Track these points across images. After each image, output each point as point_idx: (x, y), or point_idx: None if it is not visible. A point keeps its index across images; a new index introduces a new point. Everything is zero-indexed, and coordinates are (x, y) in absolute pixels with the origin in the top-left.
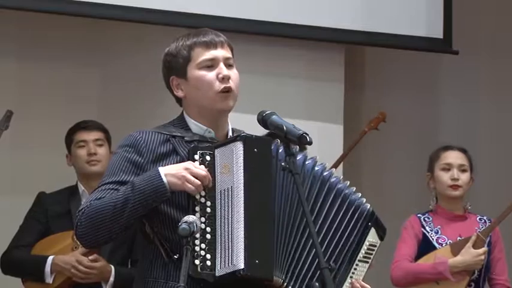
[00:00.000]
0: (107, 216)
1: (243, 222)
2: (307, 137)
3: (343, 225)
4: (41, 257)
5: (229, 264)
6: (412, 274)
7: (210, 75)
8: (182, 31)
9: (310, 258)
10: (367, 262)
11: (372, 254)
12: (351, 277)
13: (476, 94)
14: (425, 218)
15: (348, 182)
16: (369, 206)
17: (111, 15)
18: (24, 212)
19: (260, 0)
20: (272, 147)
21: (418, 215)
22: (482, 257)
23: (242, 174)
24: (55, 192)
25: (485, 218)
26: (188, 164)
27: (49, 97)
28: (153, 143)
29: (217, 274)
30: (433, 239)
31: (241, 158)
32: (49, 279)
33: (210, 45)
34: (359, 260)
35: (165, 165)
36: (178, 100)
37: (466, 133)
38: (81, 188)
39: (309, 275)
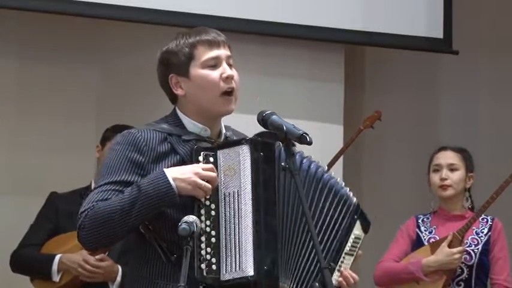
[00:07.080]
0: (113, 220)
1: (251, 227)
2: (307, 137)
3: (334, 219)
4: (48, 256)
5: (237, 270)
6: (388, 274)
7: (214, 74)
8: (182, 31)
9: (311, 259)
10: (352, 255)
11: (356, 247)
12: (339, 270)
13: (476, 94)
14: (425, 219)
15: (333, 172)
16: (355, 198)
17: (111, 15)
18: (23, 211)
19: (260, 0)
20: (276, 150)
21: (418, 216)
22: (457, 256)
23: (250, 178)
24: (68, 192)
25: (488, 217)
26: (196, 167)
27: (49, 97)
28: (153, 142)
29: (222, 279)
30: (424, 239)
31: (249, 161)
32: (56, 278)
33: (213, 44)
34: (345, 253)
35: (165, 165)
36: (174, 98)
37: (466, 133)
38: None
39: (312, 276)
